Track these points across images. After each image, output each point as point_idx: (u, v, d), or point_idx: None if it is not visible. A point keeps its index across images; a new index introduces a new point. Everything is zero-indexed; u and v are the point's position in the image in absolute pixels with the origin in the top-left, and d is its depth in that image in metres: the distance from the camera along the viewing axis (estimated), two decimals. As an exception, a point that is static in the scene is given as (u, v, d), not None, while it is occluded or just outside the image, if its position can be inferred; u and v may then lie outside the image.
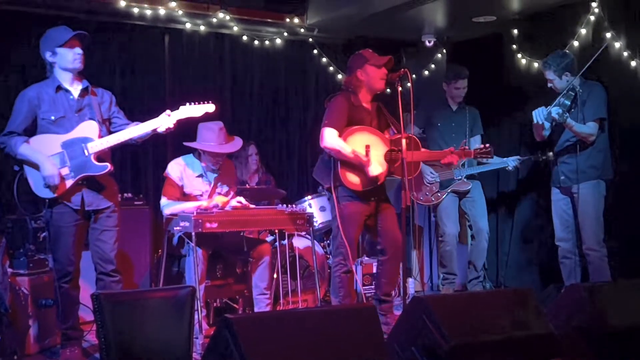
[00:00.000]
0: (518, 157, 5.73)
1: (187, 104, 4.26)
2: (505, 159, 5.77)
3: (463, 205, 5.96)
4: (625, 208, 5.33)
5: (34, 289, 4.35)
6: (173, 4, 5.89)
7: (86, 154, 3.99)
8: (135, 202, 5.53)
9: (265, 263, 4.85)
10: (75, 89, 4.11)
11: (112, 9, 5.69)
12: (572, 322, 3.34)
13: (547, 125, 5.07)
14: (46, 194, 3.96)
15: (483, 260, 5.99)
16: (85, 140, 4.01)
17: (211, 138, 4.80)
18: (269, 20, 6.42)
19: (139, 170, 6.16)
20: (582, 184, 4.98)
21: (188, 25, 6.24)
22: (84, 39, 4.10)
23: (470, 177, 5.88)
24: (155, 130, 4.14)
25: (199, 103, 4.29)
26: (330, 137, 4.40)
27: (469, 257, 6.04)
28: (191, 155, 4.96)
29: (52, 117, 4.01)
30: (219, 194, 4.94)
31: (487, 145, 4.98)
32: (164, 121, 4.14)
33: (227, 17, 6.16)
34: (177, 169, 4.85)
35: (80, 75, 4.15)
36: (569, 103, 4.89)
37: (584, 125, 4.92)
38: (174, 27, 6.25)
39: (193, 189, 4.87)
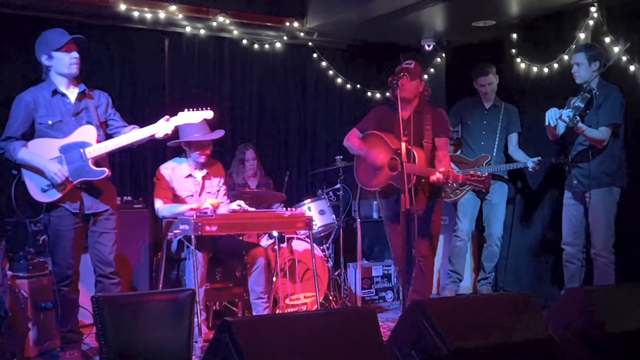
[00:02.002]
0: (539, 157, 5.68)
1: (186, 110, 4.24)
2: (527, 159, 5.73)
3: (483, 207, 5.99)
4: (628, 213, 5.31)
5: (33, 292, 4.34)
6: (173, 8, 5.90)
7: (84, 158, 3.98)
8: (135, 206, 5.54)
9: (260, 267, 4.85)
10: (72, 93, 4.09)
11: (112, 12, 5.71)
12: (572, 326, 3.34)
13: (561, 125, 4.95)
14: (44, 198, 3.95)
15: (492, 264, 6.04)
16: (83, 144, 3.99)
17: (194, 130, 4.86)
18: (269, 24, 6.44)
19: (138, 174, 6.16)
20: (594, 190, 4.89)
21: (188, 29, 6.25)
22: (81, 43, 4.08)
23: (495, 178, 5.89)
24: (153, 135, 4.13)
25: (198, 109, 4.26)
26: (350, 135, 4.83)
27: (482, 260, 6.10)
28: (177, 158, 5.03)
29: (50, 122, 4.00)
30: (209, 193, 4.96)
31: (485, 175, 4.46)
32: (162, 127, 4.12)
33: (227, 21, 6.17)
34: (166, 172, 4.90)
35: (76, 79, 4.12)
36: (583, 106, 4.75)
37: (596, 130, 4.82)
38: (174, 31, 6.26)
39: (183, 190, 4.91)
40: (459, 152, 6.16)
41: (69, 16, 5.68)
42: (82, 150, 3.99)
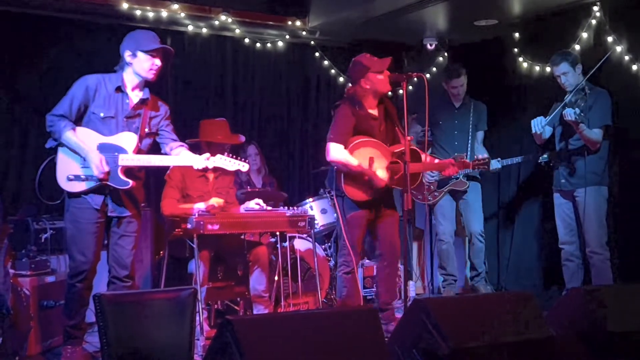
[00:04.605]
0: (499, 159, 5.72)
1: (225, 154, 4.23)
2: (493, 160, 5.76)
3: (459, 206, 5.98)
4: (625, 212, 5.34)
5: (35, 290, 4.35)
6: (175, 7, 5.90)
7: (116, 163, 3.96)
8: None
9: (263, 266, 4.86)
10: (135, 96, 4.09)
11: (115, 11, 5.71)
12: (572, 326, 3.34)
13: (548, 130, 5.10)
14: (67, 186, 3.93)
15: (481, 260, 6.00)
16: (120, 150, 3.98)
17: (217, 131, 4.88)
18: (271, 23, 6.43)
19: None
20: (582, 188, 4.98)
21: (190, 28, 6.25)
22: (168, 54, 4.10)
23: (469, 178, 5.89)
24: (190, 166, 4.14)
25: (236, 158, 4.25)
26: (335, 152, 4.49)
27: (470, 258, 6.08)
28: None
29: (102, 114, 3.99)
30: (219, 193, 4.97)
31: (486, 157, 4.98)
32: (201, 161, 4.09)
33: (229, 20, 6.17)
34: (179, 171, 4.89)
35: (145, 84, 4.12)
36: (583, 104, 4.83)
37: (591, 131, 4.90)
38: (176, 30, 6.26)
39: (194, 189, 4.90)
40: (429, 152, 6.07)
41: (71, 14, 5.70)
42: (116, 155, 3.96)
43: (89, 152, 3.90)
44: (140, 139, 4.07)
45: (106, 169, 3.91)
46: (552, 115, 5.02)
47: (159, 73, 4.10)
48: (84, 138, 3.95)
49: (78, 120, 4.00)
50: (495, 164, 5.68)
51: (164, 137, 4.23)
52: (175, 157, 4.14)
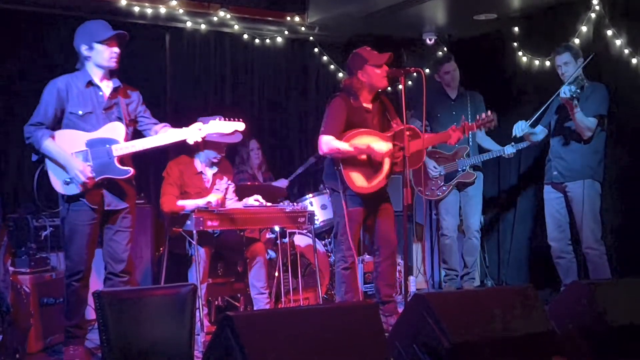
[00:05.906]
0: (513, 143, 5.67)
1: (219, 119, 4.18)
2: (503, 147, 5.71)
3: (461, 198, 5.94)
4: (622, 206, 5.33)
5: (35, 288, 4.34)
6: (174, 3, 5.89)
7: (110, 155, 3.94)
8: (137, 201, 5.51)
9: (260, 262, 4.85)
10: (107, 87, 4.05)
11: (113, 7, 5.70)
12: (573, 320, 3.34)
13: (538, 129, 5.16)
14: (66, 190, 3.92)
15: (474, 258, 5.93)
16: (111, 141, 3.95)
17: None
18: (270, 18, 6.42)
19: (140, 169, 6.03)
20: (576, 182, 4.96)
21: (189, 24, 6.25)
22: (123, 39, 4.05)
23: (475, 169, 5.83)
24: (183, 140, 4.10)
25: (230, 119, 4.21)
26: (326, 143, 4.43)
27: (463, 254, 6.03)
28: (190, 154, 4.99)
29: (80, 112, 3.95)
30: (217, 190, 4.97)
31: (490, 112, 4.80)
32: (194, 134, 4.09)
33: (228, 16, 6.16)
34: (177, 168, 4.89)
35: (111, 73, 4.08)
36: (580, 91, 4.79)
37: (586, 118, 4.88)
38: (174, 26, 6.25)
39: (192, 187, 4.89)
40: (429, 147, 6.01)
41: (70, 11, 5.69)
42: (108, 147, 3.94)
43: (68, 160, 3.87)
44: (127, 127, 4.04)
45: (90, 174, 3.88)
46: (538, 114, 5.04)
47: (119, 59, 4.04)
48: (69, 140, 3.92)
49: (57, 124, 3.96)
50: (510, 149, 5.60)
51: (144, 123, 4.19)
52: (170, 135, 4.07)
